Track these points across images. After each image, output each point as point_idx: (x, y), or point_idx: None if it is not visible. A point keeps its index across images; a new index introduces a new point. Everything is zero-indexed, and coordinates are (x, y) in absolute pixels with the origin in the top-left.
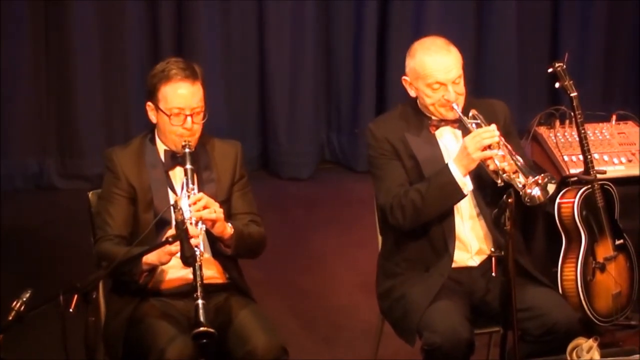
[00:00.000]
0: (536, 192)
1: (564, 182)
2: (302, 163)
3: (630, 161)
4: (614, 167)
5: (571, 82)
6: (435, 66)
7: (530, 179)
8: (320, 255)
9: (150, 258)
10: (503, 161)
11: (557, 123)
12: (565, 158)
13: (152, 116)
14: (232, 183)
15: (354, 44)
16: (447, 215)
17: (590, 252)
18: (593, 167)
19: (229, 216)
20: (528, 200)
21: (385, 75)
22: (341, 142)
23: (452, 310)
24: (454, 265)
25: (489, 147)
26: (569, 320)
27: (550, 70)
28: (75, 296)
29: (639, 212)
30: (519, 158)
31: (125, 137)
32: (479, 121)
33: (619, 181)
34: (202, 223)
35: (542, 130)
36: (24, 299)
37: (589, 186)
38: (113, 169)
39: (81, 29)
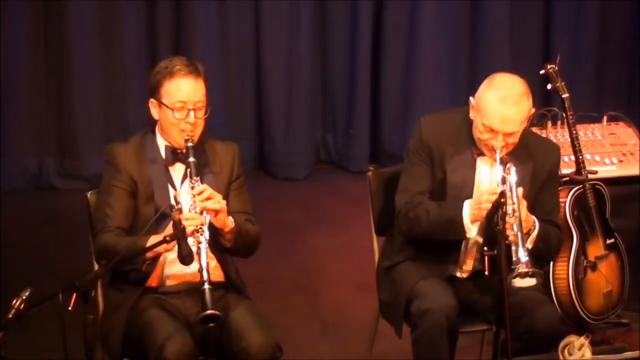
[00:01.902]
0: (517, 280)
1: None
2: (298, 163)
3: (621, 161)
4: (605, 168)
5: (563, 83)
6: (497, 113)
7: (517, 269)
8: (316, 255)
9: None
10: (510, 229)
11: (549, 124)
12: None
13: (155, 112)
14: (230, 182)
15: (349, 45)
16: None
17: (582, 251)
18: (584, 167)
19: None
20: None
21: (380, 76)
22: (336, 142)
23: (440, 284)
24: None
25: (502, 208)
26: (549, 318)
27: (542, 71)
28: (74, 294)
29: (630, 212)
30: (524, 239)
31: (123, 137)
32: (508, 176)
33: (610, 181)
34: (207, 213)
35: (535, 130)
36: (24, 298)
37: (581, 186)
38: (114, 162)
39: (80, 30)
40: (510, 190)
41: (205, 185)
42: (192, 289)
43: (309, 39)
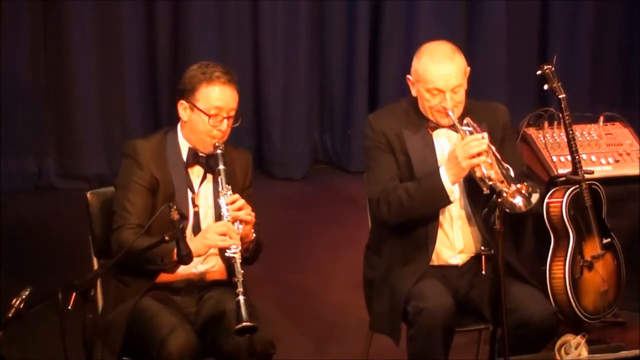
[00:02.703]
0: (518, 200)
1: (552, 182)
2: (296, 163)
3: (617, 162)
4: (601, 168)
5: (559, 84)
6: (436, 73)
7: (513, 187)
8: (313, 254)
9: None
10: (490, 169)
11: (546, 124)
12: (554, 158)
13: (184, 114)
14: (242, 189)
15: (347, 46)
16: (433, 216)
17: (578, 250)
18: (581, 167)
19: None
20: (508, 208)
21: (378, 77)
22: (334, 142)
23: (437, 285)
24: (437, 262)
25: (478, 154)
26: (543, 314)
27: (539, 72)
28: (74, 294)
29: (626, 212)
30: (508, 167)
31: (123, 137)
32: (471, 129)
33: (606, 181)
34: (239, 223)
35: (531, 131)
36: (24, 297)
37: (577, 186)
38: (137, 158)
39: (79, 30)
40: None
41: (237, 195)
42: (193, 287)
43: (306, 39)
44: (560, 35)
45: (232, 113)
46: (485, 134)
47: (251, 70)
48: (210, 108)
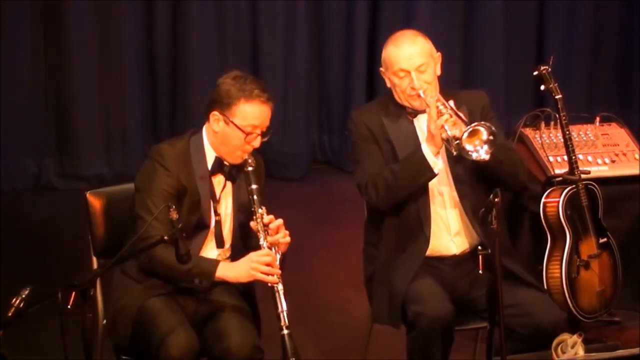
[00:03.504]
0: (481, 149)
1: (549, 182)
2: (295, 164)
3: (613, 162)
4: (597, 168)
5: (556, 84)
6: (399, 54)
7: (469, 128)
8: (312, 254)
9: (225, 275)
10: (454, 128)
11: (543, 124)
12: (551, 159)
13: (216, 126)
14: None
15: (345, 45)
16: (422, 196)
17: (575, 250)
18: (577, 167)
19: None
20: (465, 154)
21: (375, 77)
22: (332, 143)
23: (435, 286)
24: (435, 251)
25: (439, 113)
26: (555, 320)
27: (535, 73)
28: (73, 293)
29: (622, 211)
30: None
31: (122, 137)
32: (441, 107)
33: (602, 181)
34: (277, 249)
35: (528, 131)
36: (23, 296)
37: (574, 186)
38: (165, 164)
39: (78, 31)
40: (442, 104)
41: (271, 216)
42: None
43: (305, 39)
44: (557, 36)
45: (265, 130)
46: (452, 102)
47: (250, 70)
48: (247, 125)
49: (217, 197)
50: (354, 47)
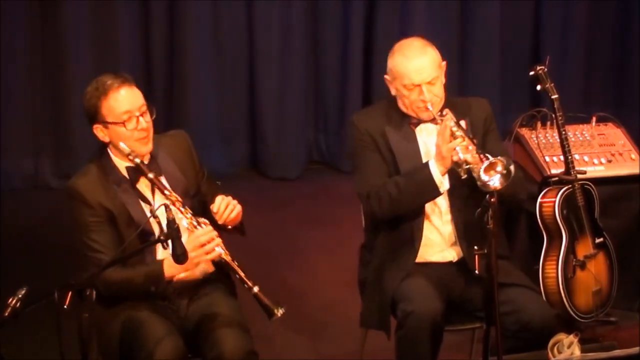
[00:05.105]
0: (494, 179)
1: (545, 182)
2: (290, 163)
3: (610, 162)
4: (594, 168)
5: (552, 84)
6: (410, 68)
7: (486, 162)
8: (308, 254)
9: (174, 271)
10: (466, 152)
11: (539, 124)
12: (547, 159)
13: (104, 137)
14: (196, 173)
15: (341, 45)
16: (418, 212)
17: (571, 250)
18: (574, 167)
19: (204, 204)
20: (481, 185)
21: (372, 77)
22: (328, 142)
23: (426, 285)
24: (428, 259)
25: (453, 137)
26: (544, 316)
27: (532, 73)
28: (70, 293)
29: (619, 211)
30: (480, 152)
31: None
32: (455, 129)
33: (599, 181)
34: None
35: (524, 131)
36: (20, 296)
37: (570, 186)
38: (83, 199)
39: (75, 32)
40: (456, 125)
41: (220, 198)
42: (183, 289)
43: (301, 39)
44: (553, 36)
45: (144, 108)
46: (449, 114)
47: (246, 70)
48: (120, 116)
49: (151, 200)
50: (350, 47)
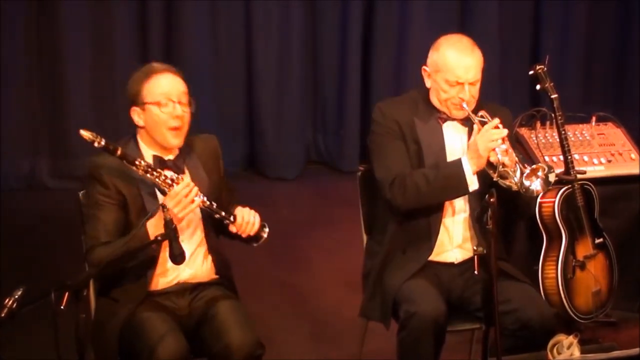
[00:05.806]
0: (535, 184)
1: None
2: (289, 163)
3: (609, 161)
4: (593, 168)
5: (552, 84)
6: (457, 63)
7: (528, 169)
8: (306, 254)
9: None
10: (505, 155)
11: (538, 124)
12: (546, 158)
13: (139, 120)
14: (220, 178)
15: (340, 46)
16: (438, 207)
17: (571, 250)
18: (573, 167)
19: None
20: (524, 190)
21: (370, 77)
22: (327, 142)
23: (428, 286)
24: (434, 257)
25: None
26: (543, 315)
27: (531, 72)
28: (66, 293)
29: (618, 212)
30: (520, 157)
31: (115, 137)
32: (486, 120)
33: (598, 181)
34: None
35: (524, 131)
36: (16, 296)
37: (570, 186)
38: (100, 178)
39: (72, 32)
40: (495, 127)
41: (241, 212)
42: (184, 289)
43: (299, 39)
44: (552, 36)
45: (183, 99)
46: (497, 120)
47: (244, 70)
48: (157, 97)
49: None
50: (348, 47)
